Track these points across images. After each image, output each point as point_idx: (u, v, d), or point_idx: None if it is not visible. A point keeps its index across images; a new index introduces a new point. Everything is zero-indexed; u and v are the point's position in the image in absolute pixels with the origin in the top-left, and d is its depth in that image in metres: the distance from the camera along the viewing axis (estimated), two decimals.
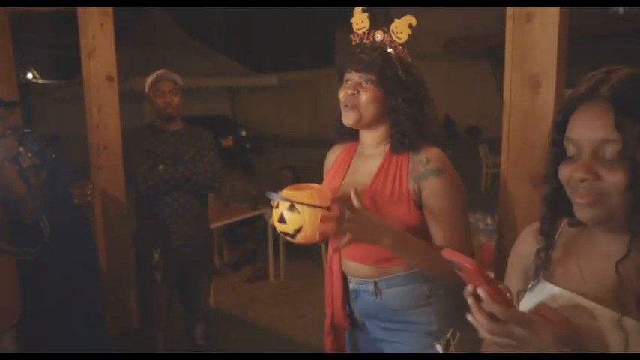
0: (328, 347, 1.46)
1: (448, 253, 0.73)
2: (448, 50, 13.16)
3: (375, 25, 1.30)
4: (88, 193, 2.01)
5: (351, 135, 1.39)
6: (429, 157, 1.25)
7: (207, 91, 12.68)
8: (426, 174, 1.23)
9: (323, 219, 1.12)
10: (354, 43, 1.31)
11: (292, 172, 4.84)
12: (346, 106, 1.27)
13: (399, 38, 1.26)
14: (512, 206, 1.59)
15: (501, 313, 0.66)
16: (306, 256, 4.56)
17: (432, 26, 13.11)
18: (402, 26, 1.25)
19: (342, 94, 1.28)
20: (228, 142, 11.09)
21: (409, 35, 1.25)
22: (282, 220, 1.15)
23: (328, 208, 1.13)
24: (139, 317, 2.65)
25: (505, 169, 1.58)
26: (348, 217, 1.12)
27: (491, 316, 0.67)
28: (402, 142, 1.26)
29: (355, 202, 1.13)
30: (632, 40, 8.12)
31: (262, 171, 5.93)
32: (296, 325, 3.43)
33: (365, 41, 1.29)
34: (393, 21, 1.27)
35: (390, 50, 1.26)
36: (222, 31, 18.51)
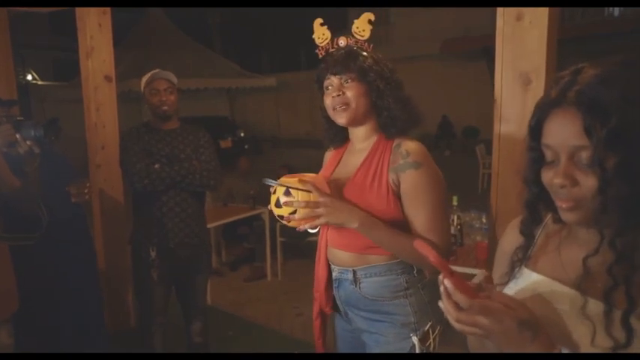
0: (316, 331, 1.55)
1: (417, 245, 0.76)
2: (445, 51, 13.18)
3: (335, 34, 1.38)
4: (86, 191, 2.03)
5: (340, 138, 1.48)
6: (409, 149, 1.30)
7: (206, 92, 12.71)
8: (405, 166, 1.29)
9: (304, 204, 1.23)
10: (320, 56, 1.39)
11: (288, 171, 4.87)
12: (335, 108, 1.34)
13: (362, 36, 1.34)
14: (504, 202, 1.61)
15: (464, 303, 0.69)
16: (304, 255, 4.58)
17: (429, 27, 13.16)
18: (362, 24, 1.33)
19: (328, 100, 1.36)
20: (226, 142, 11.12)
21: (371, 30, 1.33)
22: (278, 204, 1.27)
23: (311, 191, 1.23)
24: (136, 315, 2.67)
25: (497, 166, 1.60)
26: (321, 201, 1.23)
27: (458, 306, 0.69)
28: (395, 124, 1.33)
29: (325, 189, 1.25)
30: (629, 39, 8.15)
31: (261, 171, 5.97)
32: (293, 323, 3.45)
33: (330, 50, 1.37)
34: (352, 23, 1.34)
35: (356, 49, 1.33)
36: (221, 32, 18.52)
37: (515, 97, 1.50)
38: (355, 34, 1.34)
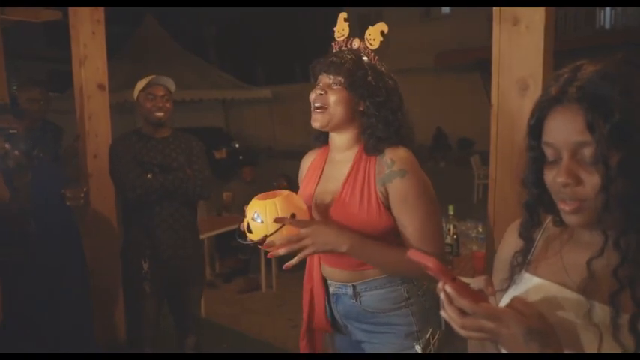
0: (302, 351, 1.52)
1: (412, 254, 0.74)
2: (439, 63, 13.30)
3: (352, 34, 1.35)
4: (82, 196, 1.99)
5: (324, 138, 1.42)
6: (394, 158, 1.26)
7: (201, 104, 12.72)
8: (391, 176, 1.25)
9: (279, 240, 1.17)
10: (334, 50, 1.35)
11: (287, 181, 4.86)
12: (315, 107, 1.30)
13: (371, 45, 1.31)
14: (502, 210, 1.59)
15: (469, 308, 0.66)
16: (299, 266, 4.52)
17: (423, 40, 13.27)
18: (374, 33, 1.31)
19: (312, 95, 1.31)
20: (221, 154, 11.09)
21: (381, 42, 1.30)
22: (249, 229, 1.22)
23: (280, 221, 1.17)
24: (128, 329, 2.61)
25: (494, 172, 1.58)
26: (304, 233, 1.17)
27: (462, 311, 0.67)
28: (377, 146, 1.28)
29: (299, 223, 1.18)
30: (621, 52, 8.25)
31: (259, 182, 5.94)
32: (288, 335, 3.40)
33: (343, 48, 1.34)
34: (367, 28, 1.32)
35: (364, 57, 1.30)
36: (216, 44, 18.60)
37: (512, 103, 1.49)
38: (366, 41, 1.32)
